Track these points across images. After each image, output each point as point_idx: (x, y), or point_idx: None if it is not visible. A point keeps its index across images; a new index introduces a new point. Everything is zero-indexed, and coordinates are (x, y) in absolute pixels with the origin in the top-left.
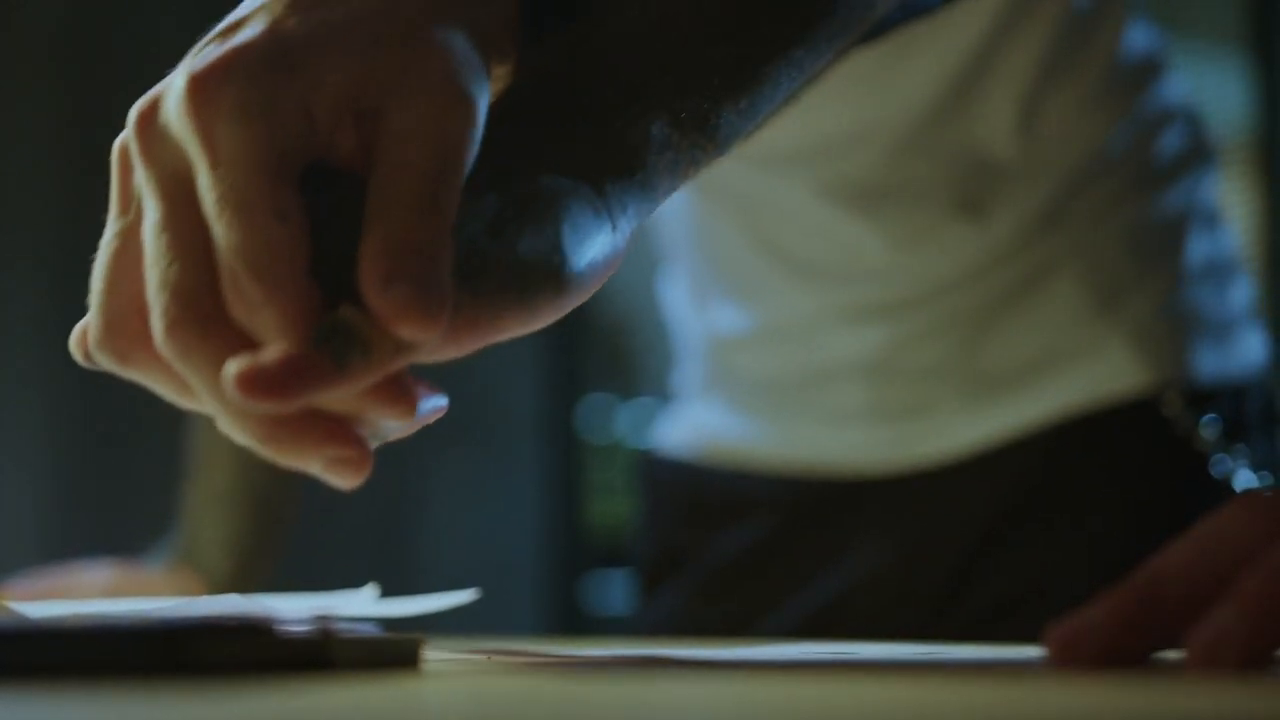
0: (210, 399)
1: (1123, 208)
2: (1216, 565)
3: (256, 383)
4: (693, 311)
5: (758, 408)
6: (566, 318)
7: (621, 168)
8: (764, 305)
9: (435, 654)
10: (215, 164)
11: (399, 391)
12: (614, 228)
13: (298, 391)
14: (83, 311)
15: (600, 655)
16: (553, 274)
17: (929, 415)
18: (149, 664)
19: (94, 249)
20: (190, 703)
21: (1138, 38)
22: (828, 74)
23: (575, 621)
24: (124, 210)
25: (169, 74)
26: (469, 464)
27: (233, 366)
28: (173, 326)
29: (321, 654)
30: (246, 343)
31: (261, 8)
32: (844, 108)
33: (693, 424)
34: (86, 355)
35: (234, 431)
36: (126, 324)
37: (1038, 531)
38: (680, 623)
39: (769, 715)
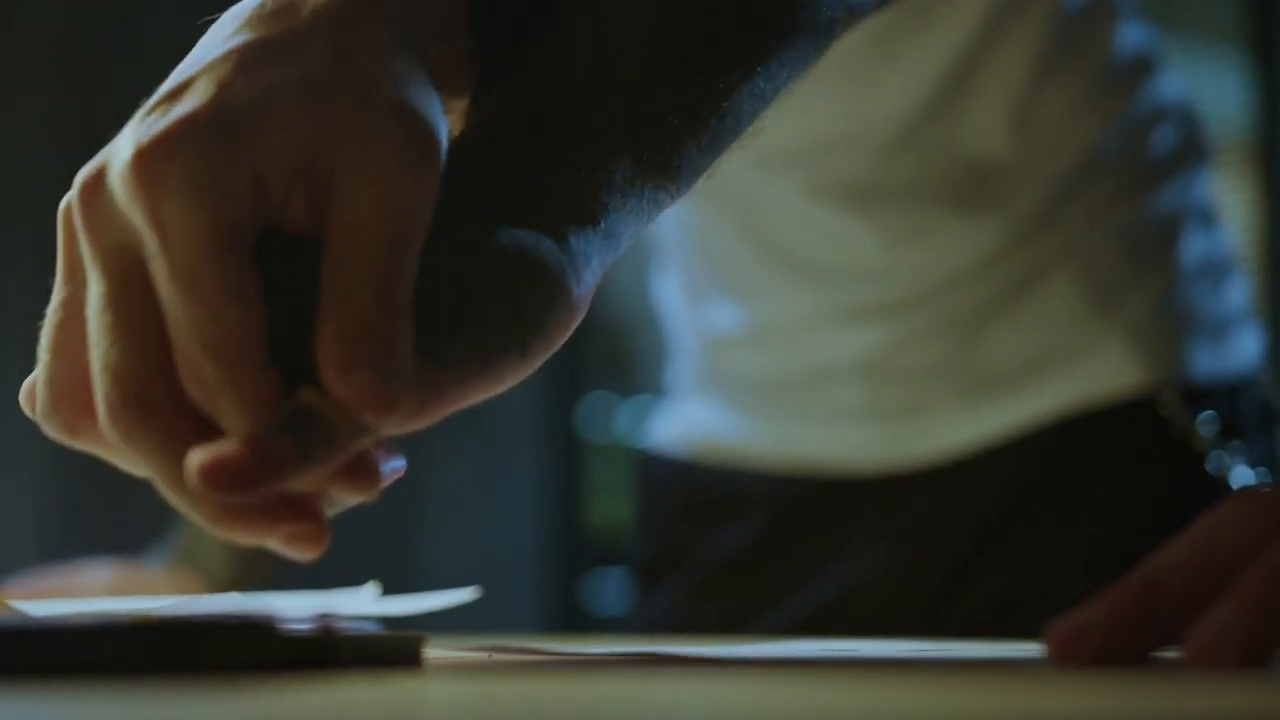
0: (160, 480)
1: (1117, 206)
2: (1215, 563)
3: (221, 475)
4: (688, 309)
5: (753, 406)
6: None
7: (585, 218)
8: (759, 304)
9: (436, 652)
10: (166, 244)
11: (362, 469)
12: (578, 281)
13: (262, 483)
14: None
15: (601, 653)
16: (518, 338)
17: (925, 415)
18: (150, 663)
19: None
20: (192, 702)
21: (1131, 36)
22: (797, 86)
23: (575, 620)
24: (69, 278)
25: (119, 135)
26: (469, 462)
27: (195, 458)
28: (115, 412)
29: (323, 653)
30: (193, 425)
31: (207, 68)
32: (835, 108)
33: (688, 422)
34: (34, 414)
35: (185, 510)
36: (73, 396)
37: (1034, 531)
38: (676, 621)
39: (773, 714)
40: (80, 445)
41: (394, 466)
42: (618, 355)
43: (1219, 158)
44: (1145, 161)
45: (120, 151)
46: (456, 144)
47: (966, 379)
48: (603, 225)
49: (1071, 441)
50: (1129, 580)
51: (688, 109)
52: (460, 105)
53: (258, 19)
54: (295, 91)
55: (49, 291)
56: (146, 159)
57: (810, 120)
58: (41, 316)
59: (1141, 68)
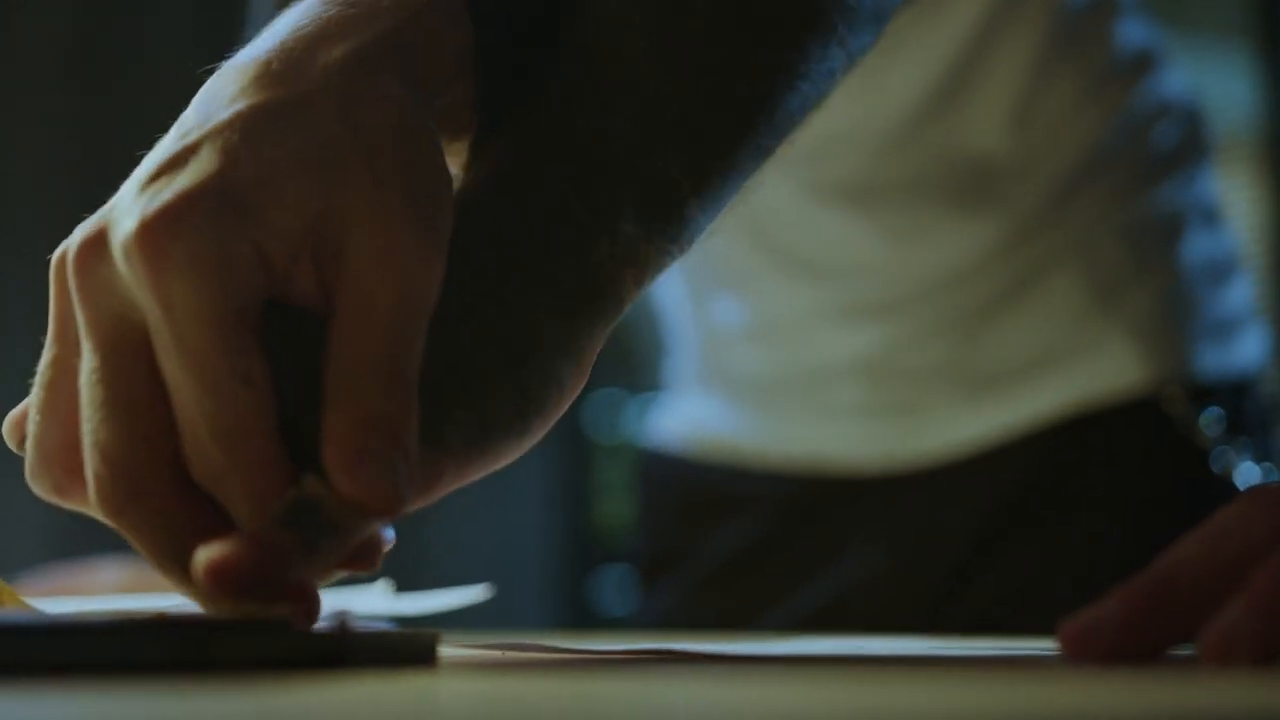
0: (148, 558)
1: (1120, 203)
2: (1228, 560)
3: (225, 577)
4: (689, 306)
5: (754, 403)
6: None
7: (593, 299)
8: (760, 301)
9: (449, 650)
10: (172, 323)
11: (364, 553)
12: (580, 361)
13: (266, 583)
14: None
15: (615, 650)
16: (520, 418)
17: (927, 412)
18: (163, 661)
19: None
20: (206, 699)
21: (1133, 32)
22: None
23: (583, 618)
24: (59, 337)
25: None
26: None
27: (201, 556)
28: (104, 491)
29: (338, 651)
30: (185, 504)
31: (212, 134)
32: (836, 106)
33: (690, 419)
34: (18, 447)
35: (174, 586)
36: (62, 459)
37: (1036, 530)
38: (678, 619)
39: (793, 711)
40: (67, 505)
41: (388, 541)
42: (625, 352)
43: (1225, 155)
44: (1147, 158)
45: (123, 220)
46: (463, 203)
47: (968, 377)
48: (607, 294)
49: (1074, 440)
50: (1142, 577)
51: (693, 169)
52: (461, 148)
53: (264, 79)
54: (303, 163)
55: (44, 293)
56: (151, 233)
57: (811, 119)
58: (44, 319)
59: (1143, 64)
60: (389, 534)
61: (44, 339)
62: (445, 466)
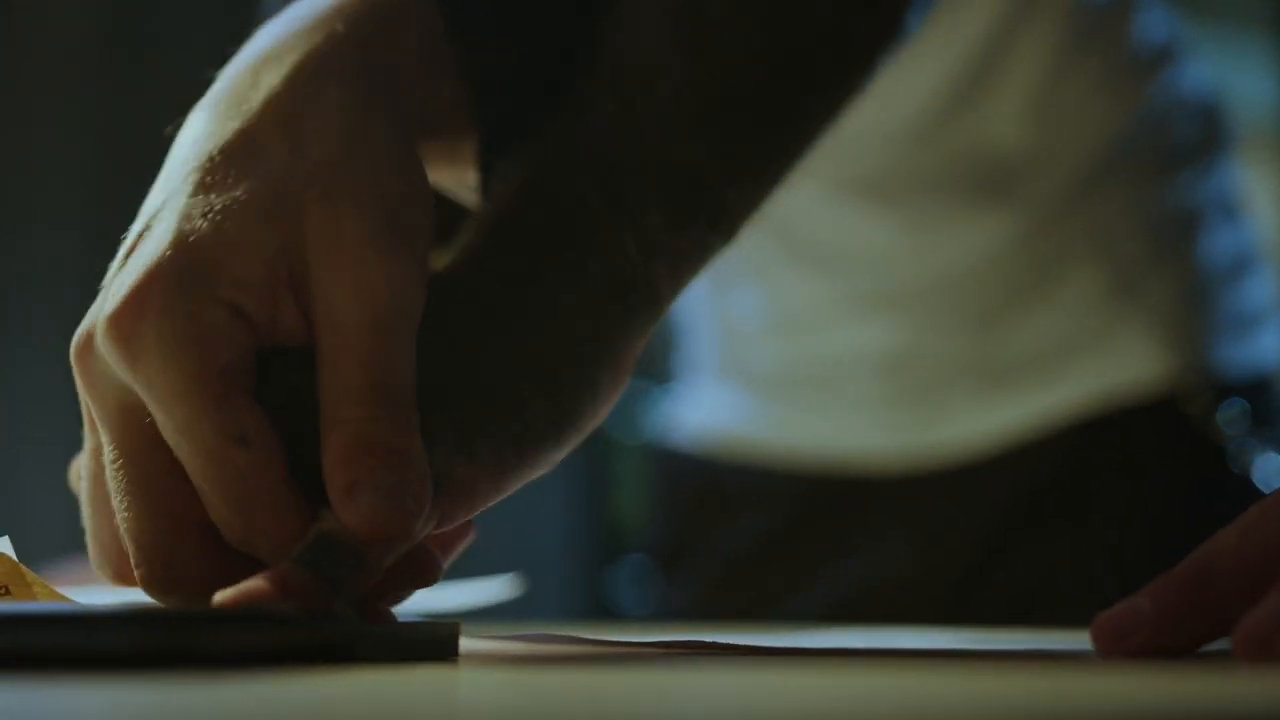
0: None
1: (1139, 197)
2: (1266, 553)
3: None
4: (707, 299)
5: (773, 396)
6: None
7: (624, 298)
8: (779, 295)
9: (471, 642)
10: (157, 402)
11: (420, 563)
12: (617, 365)
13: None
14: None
15: (637, 642)
16: (554, 428)
17: (945, 406)
18: (167, 653)
19: (118, 246)
20: (216, 690)
21: (1153, 25)
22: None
23: (603, 611)
24: (91, 428)
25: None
26: None
27: (219, 599)
28: (145, 576)
29: (345, 644)
30: (226, 564)
31: (168, 205)
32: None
33: (707, 412)
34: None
35: None
36: (114, 547)
37: (1054, 525)
38: (695, 612)
39: (805, 703)
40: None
41: (466, 542)
42: (646, 345)
43: (1247, 149)
44: (1167, 152)
45: (101, 320)
46: (480, 219)
47: (986, 371)
48: (639, 292)
49: (1093, 434)
50: (1178, 570)
51: (722, 153)
52: (461, 152)
53: (213, 120)
54: (253, 205)
55: (76, 286)
56: (119, 322)
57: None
58: (69, 310)
59: (1164, 57)
60: (469, 538)
61: (70, 329)
62: (479, 481)
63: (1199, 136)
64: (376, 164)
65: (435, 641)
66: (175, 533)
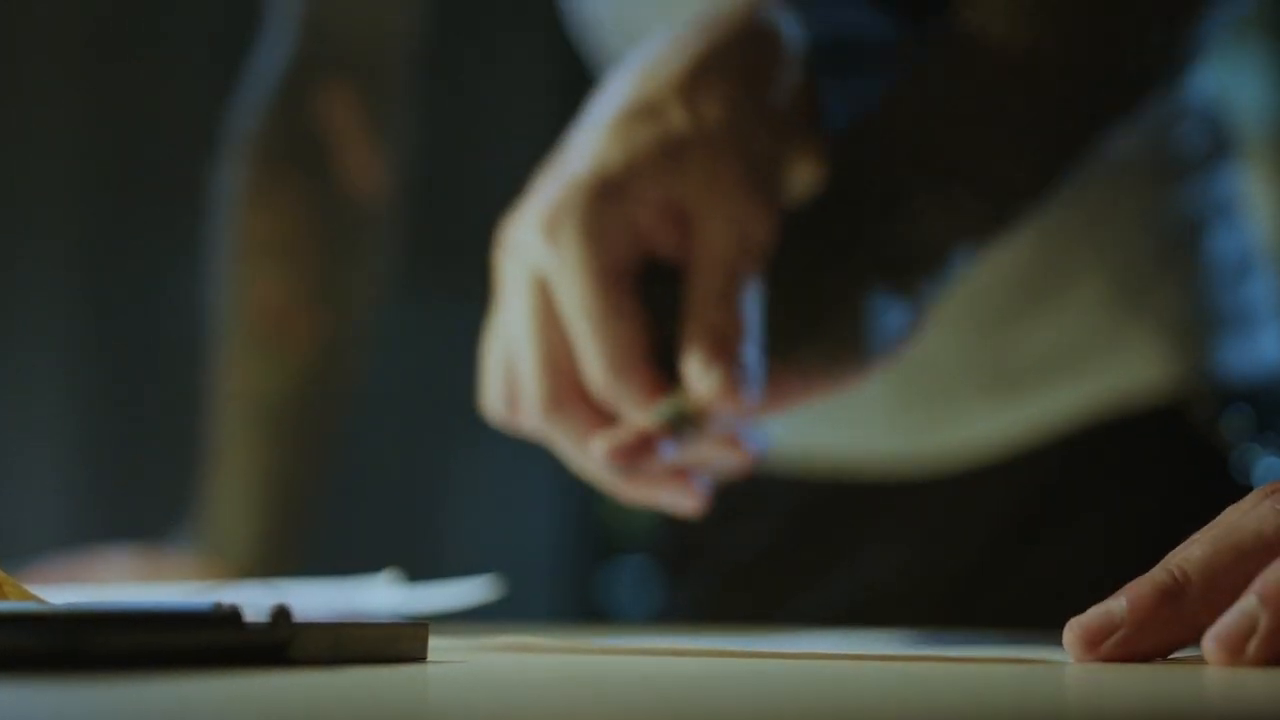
0: (573, 453)
1: (1142, 203)
2: (1238, 557)
3: (618, 456)
4: None
5: None
6: None
7: (930, 267)
8: None
9: (447, 643)
10: (565, 279)
11: (733, 444)
12: (916, 316)
13: (646, 463)
14: (102, 300)
15: (614, 646)
16: (858, 357)
17: (951, 411)
18: (105, 653)
19: (117, 245)
20: (157, 689)
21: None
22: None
23: (593, 612)
24: (503, 298)
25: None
26: (489, 451)
27: (598, 444)
28: (534, 408)
29: (281, 644)
30: (586, 413)
31: (588, 140)
32: None
33: None
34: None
35: (593, 475)
36: (506, 389)
37: (1061, 529)
38: (698, 615)
39: (734, 709)
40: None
41: (764, 443)
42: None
43: (1245, 151)
44: (1168, 157)
45: (528, 211)
46: (817, 181)
47: (991, 375)
48: (944, 271)
49: (1098, 439)
50: (1150, 575)
51: (1035, 171)
52: (804, 127)
53: (630, 87)
54: (658, 153)
55: (72, 283)
56: (547, 214)
57: None
58: (65, 306)
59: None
60: (764, 443)
61: (66, 325)
62: (792, 384)
63: (1204, 143)
64: (753, 136)
65: (405, 644)
66: (561, 379)
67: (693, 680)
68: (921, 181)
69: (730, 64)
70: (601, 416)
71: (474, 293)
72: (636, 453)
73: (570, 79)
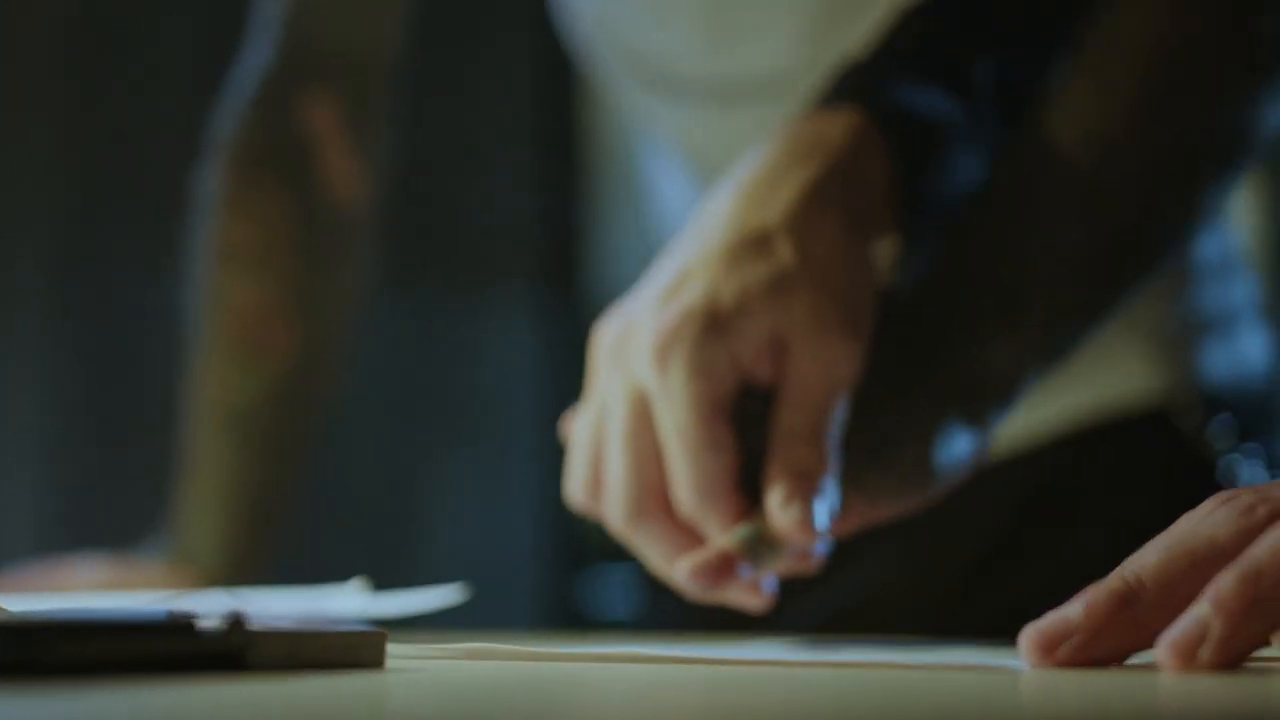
0: (647, 559)
1: None
2: (1193, 564)
3: (701, 577)
4: None
5: None
6: (564, 309)
7: (997, 397)
8: None
9: (407, 649)
10: (669, 406)
11: (803, 560)
12: (983, 441)
13: (727, 584)
14: (77, 306)
15: (579, 653)
16: (925, 480)
17: None
18: (60, 662)
19: (93, 252)
20: (109, 699)
21: None
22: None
23: (573, 619)
24: (596, 399)
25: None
26: (467, 457)
27: (683, 564)
28: (615, 512)
29: (235, 652)
30: (669, 527)
31: (702, 266)
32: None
33: None
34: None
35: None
36: (594, 486)
37: (1047, 537)
38: (685, 622)
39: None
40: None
41: (824, 550)
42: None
43: None
44: None
45: (642, 328)
46: (890, 310)
47: None
48: (1010, 400)
49: (1086, 448)
50: (1107, 582)
51: (1088, 309)
52: (886, 236)
53: (738, 216)
54: (766, 290)
55: (48, 290)
56: (660, 343)
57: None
58: (40, 313)
59: None
60: (820, 548)
61: (42, 334)
62: (861, 507)
63: None
64: (852, 274)
65: (362, 651)
66: (646, 492)
67: (641, 687)
68: (991, 315)
69: (835, 196)
70: (680, 527)
71: (457, 300)
72: (717, 574)
73: (552, 82)
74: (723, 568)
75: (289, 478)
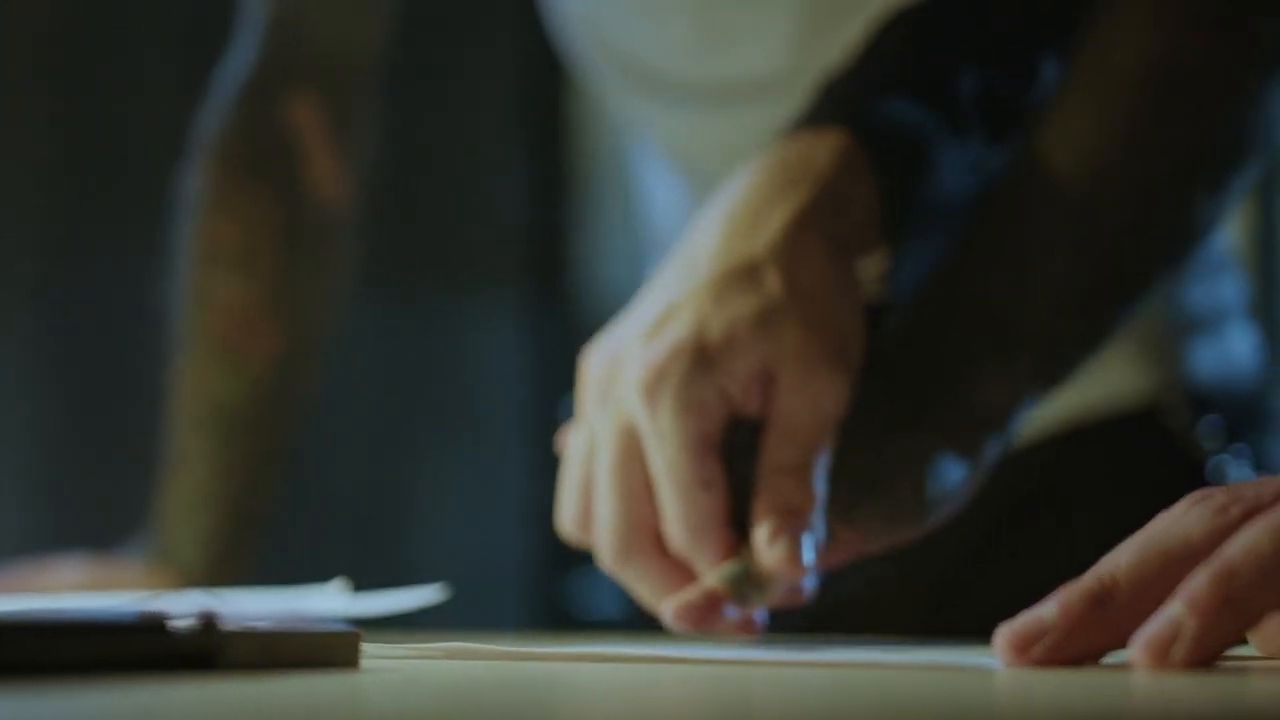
0: (638, 597)
1: None
2: (1167, 563)
3: (685, 618)
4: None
5: None
6: (552, 310)
7: (991, 428)
8: None
9: (382, 649)
10: (660, 444)
11: (790, 595)
12: (975, 475)
13: (713, 623)
14: (64, 310)
15: (559, 653)
16: (917, 513)
17: None
18: (27, 662)
19: (76, 251)
20: (78, 699)
21: None
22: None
23: (563, 619)
24: (586, 426)
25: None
26: (456, 458)
27: (669, 604)
28: (604, 551)
29: (206, 652)
30: (665, 562)
31: (689, 300)
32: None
33: None
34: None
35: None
36: (584, 517)
37: (1034, 538)
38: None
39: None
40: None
41: (810, 587)
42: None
43: None
44: None
45: (629, 364)
46: (883, 348)
47: None
48: (995, 423)
49: (1074, 448)
50: (1081, 581)
51: (1089, 338)
52: (868, 256)
53: (723, 247)
54: (754, 322)
55: (29, 290)
56: (647, 381)
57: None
58: (22, 314)
59: None
60: (811, 582)
61: (22, 333)
62: (851, 541)
63: None
64: (840, 304)
65: (336, 651)
66: (634, 529)
67: (619, 686)
68: (984, 345)
69: (822, 223)
70: (670, 563)
71: (446, 301)
72: (703, 614)
73: (542, 83)
74: (709, 607)
75: (271, 478)
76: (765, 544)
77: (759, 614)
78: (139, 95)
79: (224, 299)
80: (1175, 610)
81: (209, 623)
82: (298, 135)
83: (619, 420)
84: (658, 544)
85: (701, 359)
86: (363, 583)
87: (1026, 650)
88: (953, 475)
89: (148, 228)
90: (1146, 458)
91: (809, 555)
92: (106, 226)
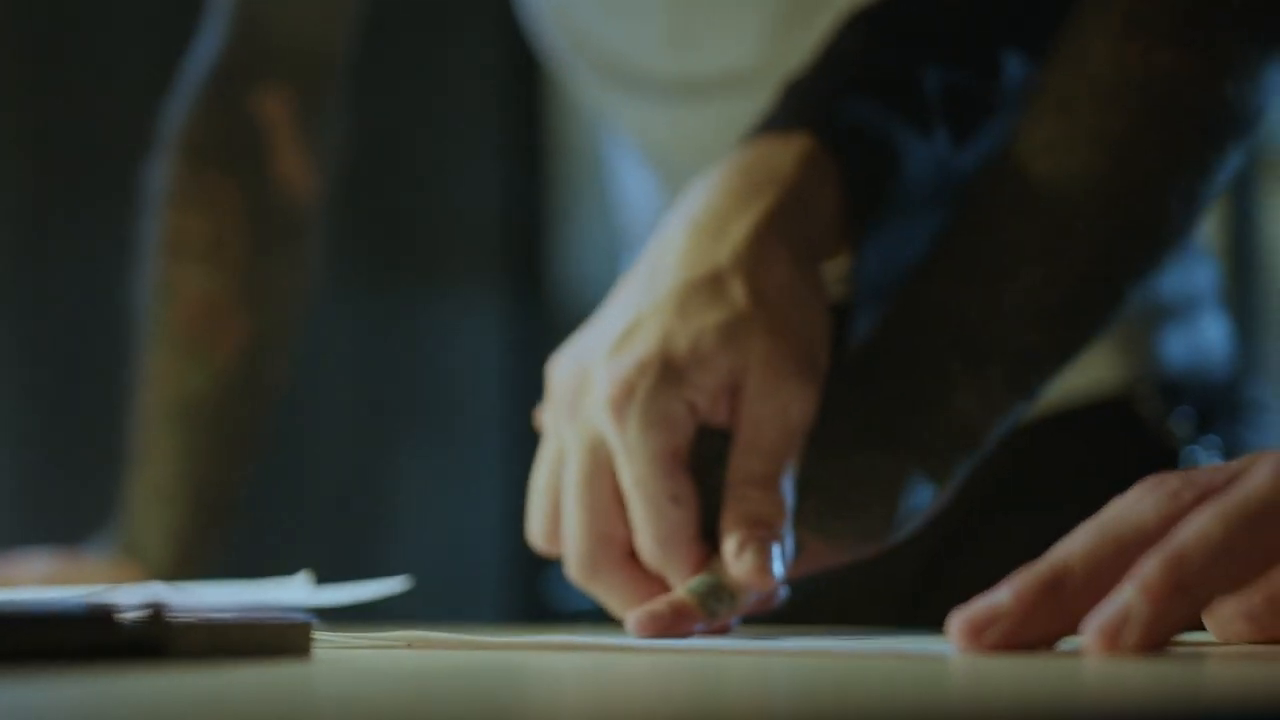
0: (610, 609)
1: None
2: (1120, 549)
3: (648, 629)
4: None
5: None
6: (531, 305)
7: (962, 446)
8: None
9: (346, 639)
10: (628, 459)
11: (761, 603)
12: (943, 491)
13: (681, 634)
14: (30, 304)
15: (523, 643)
16: (886, 526)
17: None
18: None
19: (42, 244)
20: (26, 688)
21: None
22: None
23: (542, 612)
24: (558, 441)
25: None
26: (433, 452)
27: (633, 615)
28: (573, 564)
29: (154, 641)
30: (634, 575)
31: (653, 313)
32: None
33: None
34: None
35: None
36: (553, 531)
37: (1009, 523)
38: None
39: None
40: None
41: (781, 595)
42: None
43: None
44: None
45: (596, 380)
46: (852, 359)
47: None
48: (976, 451)
49: (1047, 437)
50: (1035, 567)
51: (1062, 346)
52: (834, 258)
53: (687, 255)
54: (720, 332)
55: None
56: (614, 397)
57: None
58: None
59: None
60: (783, 591)
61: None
62: (820, 552)
63: None
64: (806, 311)
65: (287, 640)
66: (602, 543)
67: (576, 674)
68: (956, 358)
69: (786, 231)
70: (641, 574)
71: (423, 294)
72: (670, 625)
73: (518, 75)
74: (676, 619)
75: (239, 471)
76: (734, 556)
77: (731, 622)
78: (106, 87)
79: (189, 291)
80: (1126, 595)
81: (157, 613)
82: (265, 127)
83: (587, 434)
84: (627, 557)
85: (668, 373)
86: (339, 578)
87: (980, 636)
88: (922, 494)
89: (115, 221)
90: (1119, 447)
91: (778, 566)
92: (74, 219)
